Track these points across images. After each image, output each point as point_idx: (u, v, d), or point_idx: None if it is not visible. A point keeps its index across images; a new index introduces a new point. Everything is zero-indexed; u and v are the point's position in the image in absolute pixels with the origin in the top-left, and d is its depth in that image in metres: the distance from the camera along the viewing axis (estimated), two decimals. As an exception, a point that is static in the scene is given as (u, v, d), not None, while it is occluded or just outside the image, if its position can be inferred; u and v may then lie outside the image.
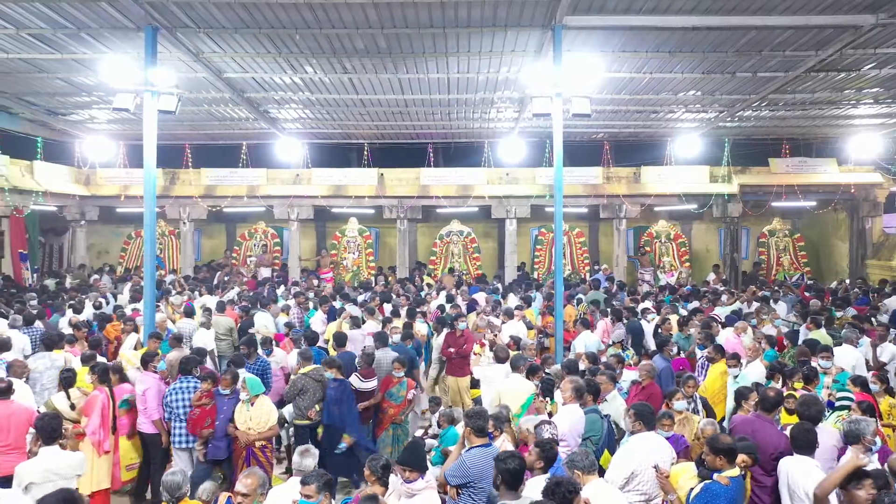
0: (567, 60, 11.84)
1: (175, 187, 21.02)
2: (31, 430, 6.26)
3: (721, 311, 13.31)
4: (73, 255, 21.71)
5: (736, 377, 8.35)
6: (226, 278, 19.07)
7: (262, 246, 22.19)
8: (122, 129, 20.20)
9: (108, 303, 14.79)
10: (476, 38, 12.78)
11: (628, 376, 8.90)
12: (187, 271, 20.45)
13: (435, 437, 8.39)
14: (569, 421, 6.51)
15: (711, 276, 19.94)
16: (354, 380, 8.37)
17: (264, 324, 12.38)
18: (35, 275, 19.26)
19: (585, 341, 10.78)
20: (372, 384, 8.46)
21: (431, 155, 21.42)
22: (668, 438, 6.12)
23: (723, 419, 8.08)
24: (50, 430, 5.64)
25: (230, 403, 7.56)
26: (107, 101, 15.85)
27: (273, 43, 13.04)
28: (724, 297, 14.79)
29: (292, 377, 8.41)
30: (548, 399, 7.63)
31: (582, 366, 8.83)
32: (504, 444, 6.12)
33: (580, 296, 15.32)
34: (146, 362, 8.23)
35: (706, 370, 9.04)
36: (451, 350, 10.30)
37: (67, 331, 11.10)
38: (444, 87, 16.02)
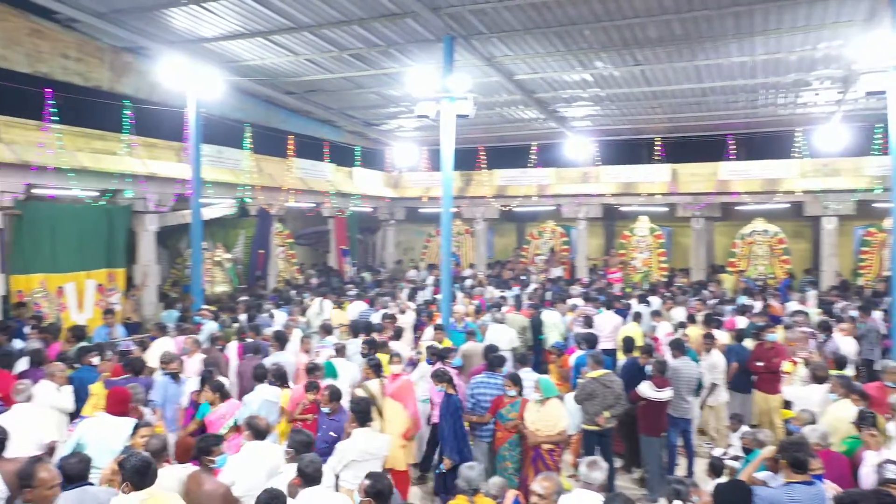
0: (911, 25, 9.86)
1: (470, 188, 22.17)
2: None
3: None
4: (383, 251, 24.16)
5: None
6: (522, 277, 19.46)
7: (549, 249, 22.33)
8: (425, 135, 21.91)
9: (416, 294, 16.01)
10: (788, 13, 11.33)
11: None
12: (481, 268, 21.43)
13: (736, 458, 7.53)
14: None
15: None
16: (647, 389, 7.84)
17: (553, 322, 12.36)
18: (354, 268, 21.74)
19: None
20: (666, 394, 7.86)
21: (732, 147, 19.59)
22: None
23: None
24: (364, 413, 6.11)
25: (331, 424, 6.62)
26: (411, 111, 17.21)
27: (562, 40, 12.97)
28: None
29: (580, 380, 8.17)
30: (875, 431, 6.30)
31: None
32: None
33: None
34: (442, 357, 8.58)
35: None
36: (760, 364, 9.17)
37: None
38: (747, 72, 14.54)
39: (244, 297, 14.33)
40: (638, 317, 11.79)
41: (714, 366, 9.32)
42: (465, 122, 12.93)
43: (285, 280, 18.35)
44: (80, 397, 7.33)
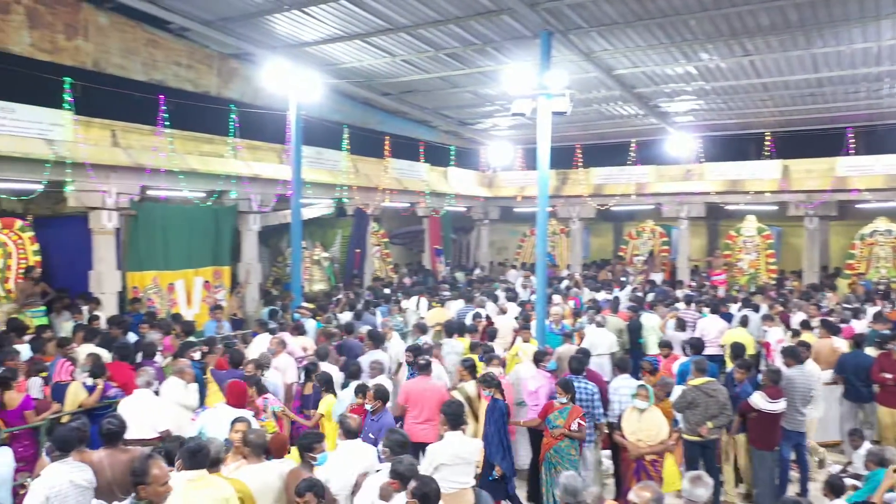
0: None
1: (566, 187, 21.74)
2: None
3: None
4: (477, 251, 24.08)
5: None
6: (623, 278, 18.90)
7: (649, 251, 21.52)
8: (520, 133, 21.66)
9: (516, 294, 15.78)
10: (921, -8, 10.39)
11: None
12: (576, 269, 20.98)
13: (857, 477, 6.95)
14: None
15: None
16: (760, 399, 7.32)
17: (652, 325, 11.90)
18: (447, 268, 21.78)
19: None
20: (780, 405, 7.31)
21: (851, 141, 18.21)
22: None
23: None
24: (456, 416, 6.00)
25: (372, 425, 6.37)
26: (507, 109, 17.05)
27: (665, 32, 12.47)
28: None
29: (682, 388, 7.75)
30: None
31: None
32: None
33: None
34: (537, 360, 8.38)
35: None
36: (887, 375, 8.42)
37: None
38: (871, 59, 13.52)
39: (341, 295, 14.58)
40: (745, 321, 11.13)
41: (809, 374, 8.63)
42: (562, 120, 12.65)
43: (376, 278, 18.58)
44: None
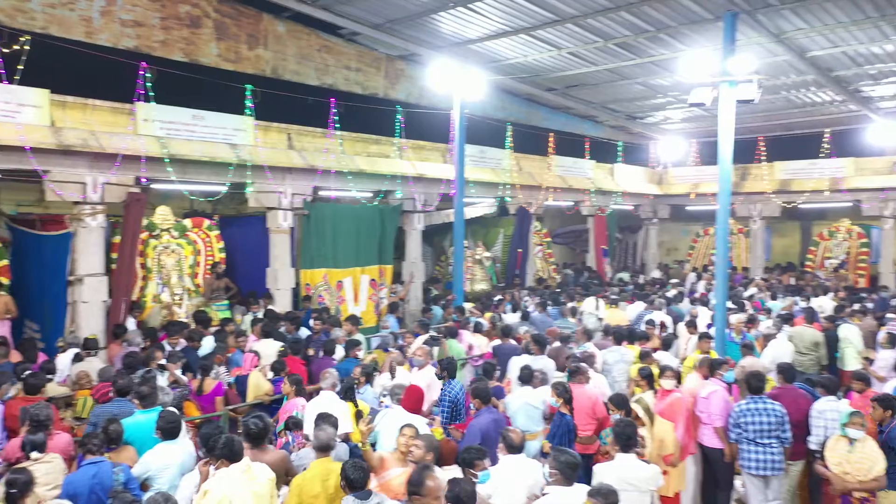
0: None
1: (745, 183, 20.00)
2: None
3: None
4: (645, 251, 22.84)
5: None
6: (792, 280, 17.09)
7: (841, 259, 19.15)
8: (694, 127, 20.26)
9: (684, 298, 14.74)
10: None
11: None
12: (757, 272, 19.24)
13: None
14: None
15: None
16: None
17: (849, 338, 10.46)
18: (613, 269, 20.84)
19: None
20: None
21: None
22: None
23: None
24: (626, 437, 5.46)
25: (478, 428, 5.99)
26: (681, 101, 16.00)
27: (874, 4, 11.03)
28: None
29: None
30: None
31: None
32: None
33: None
34: (713, 369, 7.61)
35: None
36: None
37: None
38: None
39: (502, 295, 14.31)
40: None
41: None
42: (743, 110, 11.55)
43: (539, 279, 18.12)
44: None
